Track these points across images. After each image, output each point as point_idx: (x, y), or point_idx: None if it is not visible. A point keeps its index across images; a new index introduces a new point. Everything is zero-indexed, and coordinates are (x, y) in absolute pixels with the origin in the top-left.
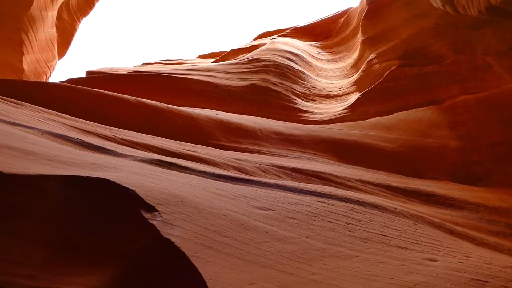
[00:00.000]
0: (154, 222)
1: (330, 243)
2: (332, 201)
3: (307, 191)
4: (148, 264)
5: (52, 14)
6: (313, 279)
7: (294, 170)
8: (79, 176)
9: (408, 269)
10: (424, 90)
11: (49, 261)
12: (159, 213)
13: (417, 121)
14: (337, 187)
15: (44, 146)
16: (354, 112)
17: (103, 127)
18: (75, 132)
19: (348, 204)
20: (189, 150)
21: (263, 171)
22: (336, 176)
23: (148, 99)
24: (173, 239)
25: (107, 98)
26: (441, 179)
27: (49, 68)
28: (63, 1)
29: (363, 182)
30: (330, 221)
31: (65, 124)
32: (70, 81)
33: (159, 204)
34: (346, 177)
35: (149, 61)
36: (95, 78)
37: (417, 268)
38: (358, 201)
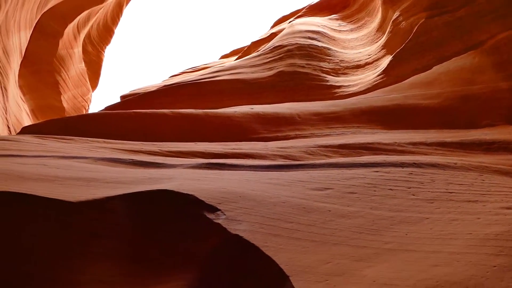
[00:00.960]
0: (219, 221)
1: (396, 210)
2: (387, 169)
3: (360, 164)
4: (223, 261)
5: (77, 50)
6: (388, 248)
7: (341, 146)
8: (140, 191)
9: (485, 222)
10: (459, 37)
11: (130, 276)
12: (222, 212)
13: (458, 71)
14: (388, 155)
15: (101, 172)
16: (389, 76)
17: (148, 144)
18: (125, 154)
19: (405, 169)
20: (234, 149)
21: (310, 154)
22: (385, 144)
23: (182, 108)
24: (241, 234)
25: (145, 116)
26: (497, 124)
27: (86, 101)
28: (85, 35)
29: (414, 144)
30: (391, 189)
31: (114, 149)
32: (108, 108)
33: (219, 204)
34: (396, 142)
35: (175, 73)
36: (129, 100)
37: (494, 219)
38: (415, 163)
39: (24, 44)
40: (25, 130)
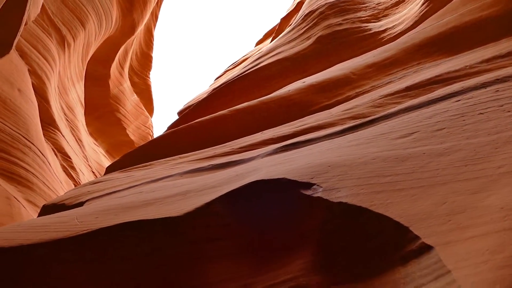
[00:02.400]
0: (318, 194)
1: (496, 132)
2: (469, 94)
3: (437, 99)
4: (335, 231)
5: (127, 85)
6: (504, 172)
7: (408, 89)
8: (235, 189)
9: None
10: None
11: (253, 267)
12: (317, 185)
13: None
14: (463, 81)
15: (191, 183)
16: (435, 2)
17: (219, 147)
18: (202, 162)
19: (488, 88)
20: (300, 126)
21: (378, 107)
22: (455, 71)
23: (238, 104)
24: (344, 200)
25: (207, 122)
26: None
27: (149, 128)
28: (129, 69)
29: (487, 61)
30: (481, 113)
31: (190, 161)
32: (170, 127)
33: (312, 178)
34: (466, 65)
35: (219, 74)
36: (187, 113)
37: None
38: (497, 79)
39: (81, 95)
40: (109, 169)
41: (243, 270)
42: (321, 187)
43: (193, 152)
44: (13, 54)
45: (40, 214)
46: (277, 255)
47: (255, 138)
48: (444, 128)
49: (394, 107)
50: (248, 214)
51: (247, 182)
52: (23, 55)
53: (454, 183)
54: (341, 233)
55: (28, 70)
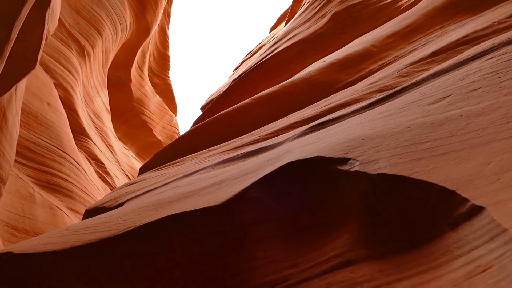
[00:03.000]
0: (356, 168)
1: None
2: (501, 51)
3: (468, 59)
4: (378, 203)
5: (148, 87)
6: None
7: (434, 54)
8: (270, 172)
9: None
10: None
11: (297, 248)
12: (353, 159)
13: None
14: (493, 37)
15: (224, 173)
16: None
17: (247, 136)
18: (232, 152)
19: None
20: (326, 105)
21: (404, 76)
22: (483, 29)
23: (259, 92)
24: (383, 171)
25: (231, 113)
26: None
27: (174, 127)
28: (148, 70)
29: None
30: None
31: (220, 152)
32: (195, 122)
33: (347, 153)
34: (495, 22)
35: (237, 65)
36: (210, 107)
37: None
38: None
39: (106, 102)
40: (142, 170)
41: (289, 251)
42: (358, 160)
43: (221, 144)
44: (38, 69)
45: (83, 219)
46: (321, 233)
47: (281, 123)
48: (480, 88)
49: (422, 74)
50: (286, 196)
51: (281, 165)
52: (47, 69)
53: (497, 142)
54: (384, 205)
55: (54, 83)
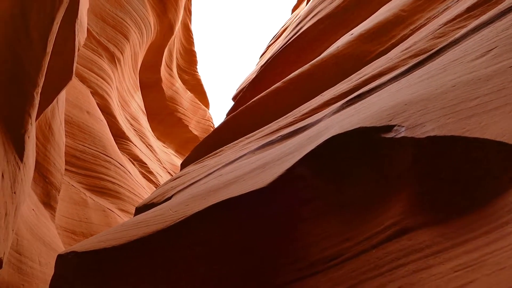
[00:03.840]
0: (402, 134)
1: None
2: None
3: (507, 10)
4: (430, 167)
5: (178, 84)
6: None
7: (470, 9)
8: (313, 149)
9: None
10: None
11: (352, 221)
12: (398, 126)
13: None
14: None
15: (265, 156)
16: None
17: (282, 119)
18: (269, 136)
19: None
20: (360, 78)
21: (440, 37)
22: None
23: (288, 75)
24: (432, 134)
25: (264, 99)
26: None
27: (209, 120)
28: (176, 68)
29: None
30: None
31: (257, 138)
32: (229, 113)
33: (391, 120)
34: None
35: (263, 51)
36: (241, 97)
37: None
38: None
39: (141, 104)
40: (184, 165)
41: (342, 225)
42: (403, 126)
43: (257, 131)
44: (75, 80)
45: (134, 216)
46: (373, 204)
47: (315, 102)
48: None
49: (459, 32)
50: (332, 172)
51: (323, 140)
52: (82, 79)
53: None
54: (437, 168)
55: (91, 92)
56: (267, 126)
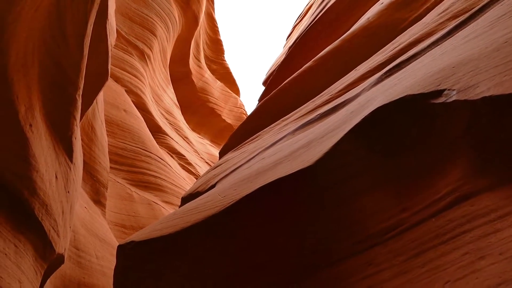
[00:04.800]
0: (453, 98)
1: None
2: None
3: None
4: (487, 130)
5: (208, 74)
6: None
7: None
8: (358, 123)
9: None
10: None
11: (407, 190)
12: (448, 90)
13: None
14: None
15: (308, 135)
16: None
17: (317, 98)
18: (307, 116)
19: None
20: (395, 48)
21: None
22: None
23: (318, 53)
24: (487, 94)
25: (296, 80)
26: None
27: (241, 108)
28: (204, 59)
29: None
30: None
31: (294, 120)
32: (260, 98)
33: (439, 85)
34: None
35: (289, 32)
36: (272, 80)
37: None
38: None
39: (173, 97)
40: (222, 153)
41: (396, 197)
42: (454, 89)
43: (293, 112)
44: (109, 80)
45: (180, 206)
46: (427, 173)
47: (350, 78)
48: None
49: None
50: (380, 143)
51: (368, 112)
52: (116, 79)
53: None
54: (495, 130)
55: (125, 90)
56: (302, 106)
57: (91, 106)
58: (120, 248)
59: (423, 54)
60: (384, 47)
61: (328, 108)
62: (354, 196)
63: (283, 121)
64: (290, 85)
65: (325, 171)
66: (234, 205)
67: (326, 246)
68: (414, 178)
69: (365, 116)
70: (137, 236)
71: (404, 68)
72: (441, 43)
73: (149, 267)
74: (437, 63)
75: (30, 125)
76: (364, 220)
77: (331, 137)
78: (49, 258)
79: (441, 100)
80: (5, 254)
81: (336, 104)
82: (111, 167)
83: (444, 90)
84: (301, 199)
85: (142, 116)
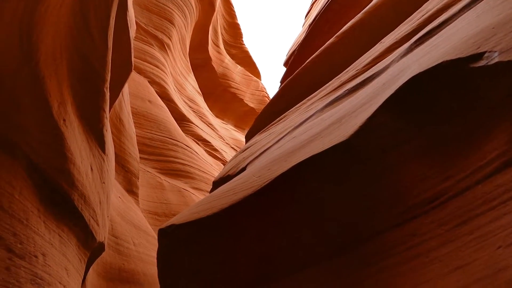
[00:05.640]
0: (495, 60)
1: None
2: None
3: None
4: None
5: (227, 59)
6: None
7: None
8: (392, 94)
9: None
10: None
11: (451, 158)
12: (489, 52)
13: None
14: None
15: (338, 111)
16: None
17: (343, 74)
18: (334, 93)
19: None
20: (423, 16)
21: None
22: None
23: (339, 29)
24: None
25: (319, 58)
26: None
27: (262, 91)
28: (223, 44)
29: None
30: None
31: (321, 97)
32: (282, 80)
33: (478, 48)
34: None
35: (307, 10)
36: (293, 61)
37: None
38: None
39: (195, 85)
40: (249, 137)
41: (438, 166)
42: (495, 51)
43: (318, 90)
44: (133, 73)
45: (211, 191)
46: (470, 139)
47: (376, 51)
48: None
49: None
50: (417, 113)
51: (403, 82)
52: (139, 71)
53: None
54: None
55: (148, 81)
56: (328, 84)
57: (118, 99)
58: (161, 231)
59: (456, 19)
60: (410, 17)
61: (356, 83)
62: (392, 167)
63: (308, 100)
64: (313, 63)
65: (360, 145)
66: (270, 184)
67: (366, 220)
68: (455, 146)
69: (400, 86)
70: (176, 219)
71: (437, 35)
72: (474, 6)
73: (190, 248)
74: (473, 26)
75: (64, 120)
76: (405, 191)
77: (364, 110)
78: (91, 247)
79: (481, 63)
80: (51, 244)
81: (364, 78)
82: (140, 157)
83: (485, 52)
84: (336, 175)
85: (166, 105)
